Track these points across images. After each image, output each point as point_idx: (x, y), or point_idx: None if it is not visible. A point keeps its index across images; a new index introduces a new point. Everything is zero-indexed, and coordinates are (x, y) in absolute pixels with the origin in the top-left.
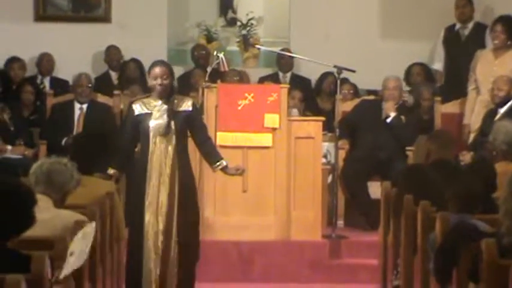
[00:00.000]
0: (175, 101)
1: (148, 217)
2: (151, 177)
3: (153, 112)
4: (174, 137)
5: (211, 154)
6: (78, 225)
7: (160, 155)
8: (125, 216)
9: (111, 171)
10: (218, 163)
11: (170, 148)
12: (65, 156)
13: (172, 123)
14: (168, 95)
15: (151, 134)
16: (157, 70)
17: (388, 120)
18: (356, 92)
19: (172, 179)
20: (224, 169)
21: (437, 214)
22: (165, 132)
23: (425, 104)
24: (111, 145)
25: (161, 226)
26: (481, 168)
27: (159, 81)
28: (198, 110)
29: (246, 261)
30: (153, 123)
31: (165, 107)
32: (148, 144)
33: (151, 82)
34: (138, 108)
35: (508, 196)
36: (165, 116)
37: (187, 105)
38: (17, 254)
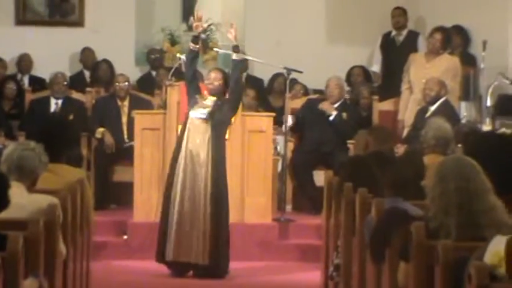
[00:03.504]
0: None
1: None
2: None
3: None
4: None
5: None
6: (51, 208)
7: None
8: None
9: None
10: None
11: None
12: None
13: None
14: None
15: None
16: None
17: (331, 118)
18: (306, 91)
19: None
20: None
21: (373, 200)
22: None
23: (363, 102)
24: (78, 136)
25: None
26: (412, 159)
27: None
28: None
29: None
30: None
31: None
32: None
33: None
34: None
35: (434, 185)
36: None
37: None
38: None
